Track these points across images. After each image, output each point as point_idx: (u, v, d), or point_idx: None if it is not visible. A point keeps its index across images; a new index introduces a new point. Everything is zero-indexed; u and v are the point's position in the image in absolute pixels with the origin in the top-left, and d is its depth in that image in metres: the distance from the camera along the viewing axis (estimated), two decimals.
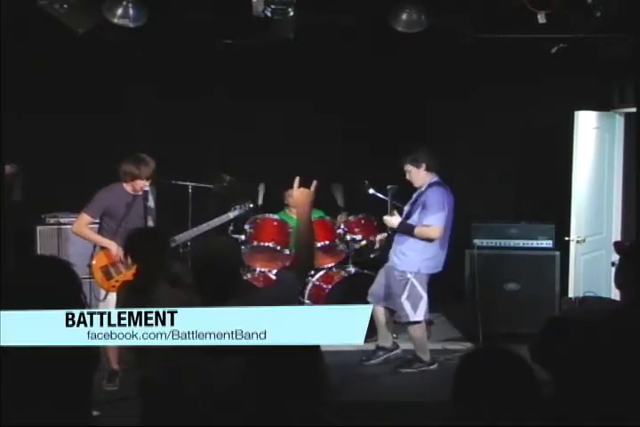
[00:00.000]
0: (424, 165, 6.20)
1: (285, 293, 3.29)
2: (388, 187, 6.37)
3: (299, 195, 3.38)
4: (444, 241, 6.26)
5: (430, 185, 6.21)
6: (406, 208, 6.37)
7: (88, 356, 2.68)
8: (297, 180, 3.39)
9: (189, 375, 2.97)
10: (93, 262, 5.81)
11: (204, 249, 3.38)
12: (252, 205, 6.81)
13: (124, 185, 5.88)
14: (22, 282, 2.68)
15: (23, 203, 7.67)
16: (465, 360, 2.32)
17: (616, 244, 5.51)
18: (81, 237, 5.99)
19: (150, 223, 5.85)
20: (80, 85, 7.73)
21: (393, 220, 6.24)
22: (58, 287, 2.68)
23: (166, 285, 3.82)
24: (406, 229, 6.21)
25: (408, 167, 6.24)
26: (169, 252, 4.21)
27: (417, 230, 6.14)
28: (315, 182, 3.40)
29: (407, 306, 6.20)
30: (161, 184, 6.29)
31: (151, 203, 5.98)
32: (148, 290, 3.58)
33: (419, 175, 6.23)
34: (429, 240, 6.13)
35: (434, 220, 6.08)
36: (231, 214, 6.64)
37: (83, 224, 5.87)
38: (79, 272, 2.94)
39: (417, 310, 6.21)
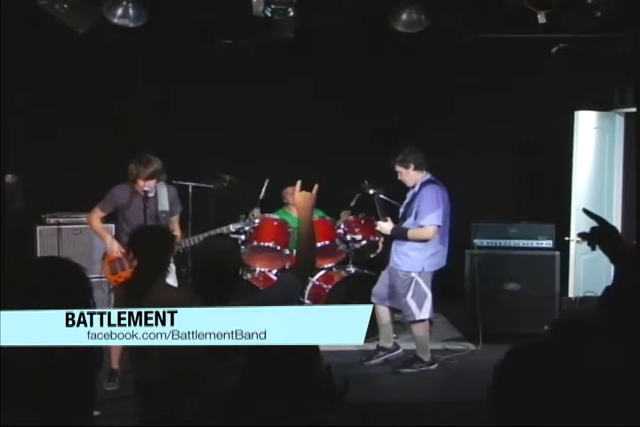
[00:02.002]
0: (412, 165, 6.20)
1: (286, 294, 3.28)
2: (372, 192, 6.36)
3: (300, 198, 3.36)
4: (443, 237, 6.26)
5: (423, 184, 6.20)
6: (401, 210, 6.36)
7: (91, 357, 2.66)
8: (298, 183, 3.38)
9: (185, 376, 2.97)
10: (106, 255, 5.98)
11: (204, 250, 3.38)
12: (257, 221, 6.83)
13: (134, 184, 5.94)
14: (31, 282, 2.65)
15: (23, 202, 7.69)
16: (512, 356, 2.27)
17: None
18: (91, 227, 6.22)
19: (155, 223, 5.88)
20: (80, 85, 7.72)
21: (385, 226, 6.25)
22: (68, 290, 2.65)
23: (165, 284, 3.82)
24: (400, 234, 6.21)
25: (397, 168, 6.24)
26: (171, 251, 4.18)
27: (410, 233, 6.14)
28: (316, 186, 3.40)
29: (412, 305, 6.19)
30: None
31: (160, 204, 6.01)
32: (144, 289, 3.58)
33: (408, 175, 6.23)
34: (424, 241, 6.14)
35: (428, 220, 6.08)
36: (232, 227, 6.62)
37: (95, 217, 6.06)
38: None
39: (422, 309, 6.21)
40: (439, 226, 6.12)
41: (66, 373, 2.55)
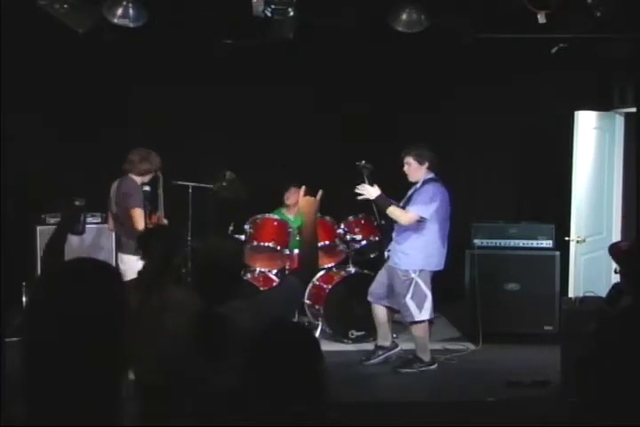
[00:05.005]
0: (427, 163, 6.22)
1: (287, 296, 3.29)
2: (357, 163, 6.27)
3: (305, 203, 3.37)
4: (443, 237, 6.26)
5: (426, 181, 6.23)
6: (401, 204, 6.36)
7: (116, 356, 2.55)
8: (302, 189, 3.39)
9: (185, 376, 2.96)
10: None
11: (209, 251, 3.37)
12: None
13: (136, 178, 6.02)
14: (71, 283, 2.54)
15: (23, 202, 7.70)
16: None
17: (612, 247, 5.19)
18: None
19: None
20: (80, 85, 7.73)
21: (373, 190, 6.14)
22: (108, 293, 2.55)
23: (170, 284, 3.82)
24: (383, 203, 6.18)
25: (410, 160, 6.24)
26: (179, 252, 4.17)
27: (392, 208, 6.14)
28: (320, 191, 3.41)
29: (412, 306, 6.19)
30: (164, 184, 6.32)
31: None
32: (148, 288, 3.58)
33: (418, 171, 6.24)
34: (399, 223, 6.16)
35: (415, 208, 6.11)
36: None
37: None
38: None
39: (422, 310, 6.20)
40: (423, 218, 6.10)
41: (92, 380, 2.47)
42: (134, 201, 5.90)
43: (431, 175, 6.27)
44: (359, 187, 6.16)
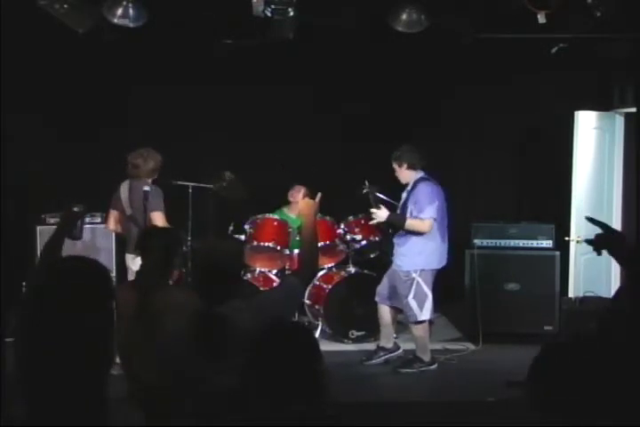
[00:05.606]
0: (405, 164, 6.25)
1: (287, 296, 3.29)
2: (364, 186, 6.35)
3: (304, 205, 3.38)
4: (443, 234, 6.27)
5: (417, 182, 6.24)
6: (398, 211, 6.37)
7: (103, 355, 2.57)
8: (302, 191, 3.40)
9: (185, 376, 2.97)
10: None
11: (209, 251, 3.37)
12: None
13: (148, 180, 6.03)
14: (60, 280, 2.53)
15: (23, 203, 7.70)
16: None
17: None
18: None
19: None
20: (80, 85, 7.73)
21: (381, 213, 6.23)
22: (95, 290, 2.53)
23: (168, 285, 3.82)
24: (397, 220, 6.22)
25: (394, 165, 6.30)
26: (179, 253, 4.17)
27: (409, 222, 6.16)
28: (319, 194, 3.42)
29: (414, 306, 6.20)
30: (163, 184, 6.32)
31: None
32: (147, 289, 3.58)
33: (402, 173, 6.28)
34: (420, 233, 6.15)
35: (426, 213, 6.11)
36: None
37: None
38: None
39: (423, 310, 6.21)
40: (435, 219, 6.13)
41: (79, 372, 2.48)
42: (154, 204, 5.93)
43: (420, 175, 6.28)
44: (372, 215, 6.28)
